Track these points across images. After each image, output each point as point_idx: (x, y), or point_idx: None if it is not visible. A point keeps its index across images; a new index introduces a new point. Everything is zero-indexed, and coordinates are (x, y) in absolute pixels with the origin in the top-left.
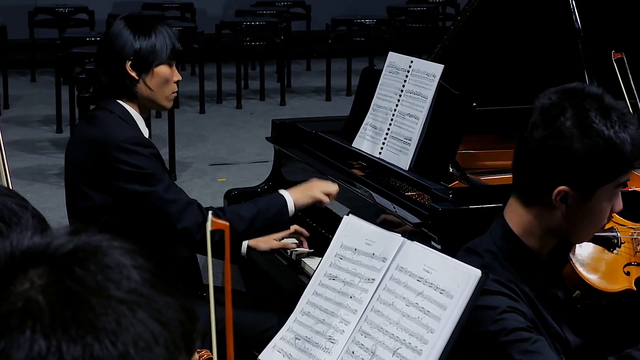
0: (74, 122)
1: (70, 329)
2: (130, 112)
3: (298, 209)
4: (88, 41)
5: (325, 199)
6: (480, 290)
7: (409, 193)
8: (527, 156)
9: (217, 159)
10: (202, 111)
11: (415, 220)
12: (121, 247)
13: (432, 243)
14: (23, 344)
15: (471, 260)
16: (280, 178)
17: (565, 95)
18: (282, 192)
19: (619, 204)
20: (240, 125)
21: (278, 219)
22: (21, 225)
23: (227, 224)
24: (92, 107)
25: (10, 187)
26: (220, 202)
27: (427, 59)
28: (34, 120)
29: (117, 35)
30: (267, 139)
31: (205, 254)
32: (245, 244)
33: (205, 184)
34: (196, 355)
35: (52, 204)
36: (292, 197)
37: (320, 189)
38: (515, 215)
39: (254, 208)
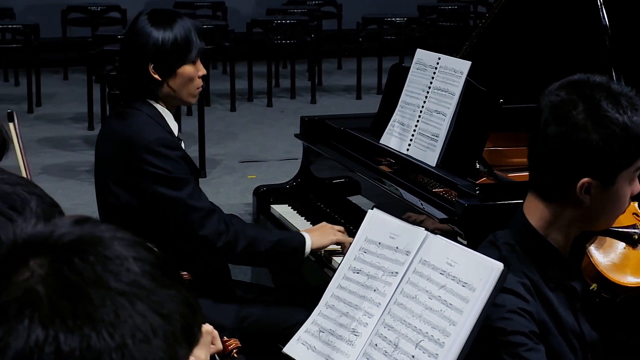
0: (105, 120)
1: (68, 319)
2: (158, 109)
3: (314, 250)
4: (119, 39)
5: (343, 238)
6: (502, 283)
7: (436, 189)
8: (543, 154)
9: (247, 156)
10: (232, 109)
11: (442, 215)
12: (123, 238)
13: (459, 239)
14: (21, 333)
15: (490, 252)
16: (309, 175)
17: (573, 89)
18: (304, 233)
19: (638, 186)
20: (270, 123)
21: (295, 254)
22: (25, 213)
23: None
24: (122, 102)
25: (22, 152)
26: (249, 199)
27: (455, 57)
28: (65, 118)
29: (140, 34)
30: (295, 135)
31: (228, 263)
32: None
33: (234, 181)
34: (218, 342)
35: (82, 200)
36: (311, 239)
37: (336, 229)
38: (536, 211)
39: (277, 235)
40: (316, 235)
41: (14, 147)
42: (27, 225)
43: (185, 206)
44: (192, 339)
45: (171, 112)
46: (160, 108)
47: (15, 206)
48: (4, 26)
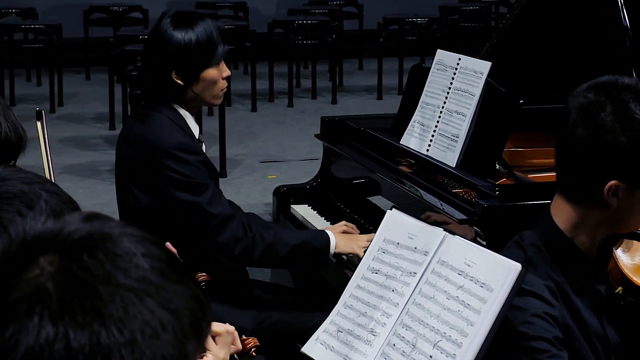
0: (125, 120)
1: (77, 316)
2: (179, 111)
3: (337, 253)
4: (141, 39)
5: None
6: (520, 284)
7: (456, 190)
8: (570, 156)
9: (268, 156)
10: (253, 109)
11: (462, 216)
12: (133, 234)
13: (478, 239)
14: (31, 330)
15: (515, 253)
16: (329, 175)
17: (602, 91)
18: (329, 232)
19: None
20: (291, 124)
21: (319, 255)
22: (36, 210)
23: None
24: (142, 103)
25: (54, 180)
26: (269, 199)
27: (476, 57)
28: (87, 118)
29: (163, 37)
30: (316, 136)
31: (246, 265)
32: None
33: (255, 181)
34: (238, 342)
35: (103, 199)
36: (336, 240)
37: (362, 246)
38: (563, 213)
39: (299, 237)
40: (343, 240)
41: (39, 145)
42: (37, 222)
43: (203, 212)
44: (201, 334)
45: (192, 114)
46: (182, 110)
47: (32, 205)
48: (27, 26)
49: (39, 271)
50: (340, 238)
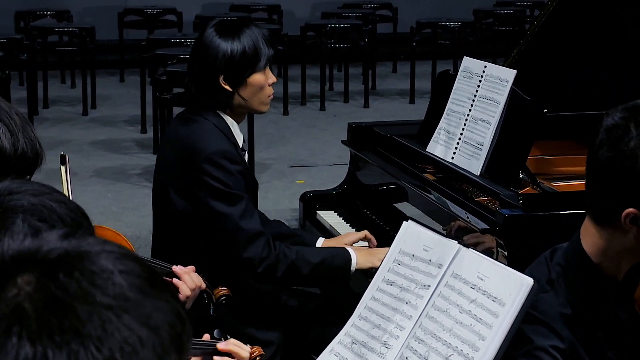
0: (157, 123)
1: (55, 335)
2: (225, 119)
3: (358, 269)
4: (173, 42)
5: None
6: (532, 299)
7: (480, 198)
8: (595, 177)
9: (297, 160)
10: (285, 113)
11: (484, 226)
12: (111, 251)
13: (499, 250)
14: (10, 350)
15: (540, 271)
16: (356, 181)
17: (629, 115)
18: (350, 249)
19: None
20: (322, 127)
21: (340, 273)
22: (12, 230)
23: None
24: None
25: (71, 194)
26: (297, 204)
27: (503, 63)
28: (119, 120)
29: (209, 46)
30: (342, 142)
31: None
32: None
33: (283, 186)
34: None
35: (132, 203)
36: (357, 257)
37: (381, 259)
38: (590, 236)
39: (320, 255)
40: (363, 256)
41: (62, 188)
42: (15, 241)
43: (234, 224)
44: (182, 348)
45: (238, 123)
46: (228, 118)
47: (43, 217)
48: (61, 29)
49: (16, 291)
50: (360, 254)
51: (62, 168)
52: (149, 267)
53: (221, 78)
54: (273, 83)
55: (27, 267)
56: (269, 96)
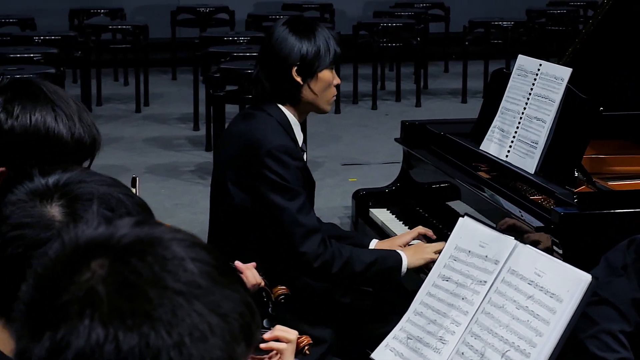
0: (209, 121)
1: (127, 318)
2: (288, 117)
3: (409, 269)
4: (225, 40)
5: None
6: (590, 295)
7: (535, 197)
8: None
9: (349, 159)
10: (337, 111)
11: (538, 224)
12: (183, 239)
13: (555, 248)
14: (82, 332)
15: (616, 257)
16: (409, 179)
17: None
18: (400, 251)
19: None
20: (374, 126)
21: (392, 273)
22: (85, 217)
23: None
24: (247, 106)
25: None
26: (349, 202)
27: (558, 62)
28: (172, 118)
29: (283, 41)
30: (396, 140)
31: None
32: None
33: (335, 184)
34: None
35: (185, 200)
36: (407, 258)
37: (430, 252)
38: None
39: (373, 255)
40: (412, 255)
41: None
42: (89, 227)
43: (292, 218)
44: (251, 338)
45: (300, 122)
46: (290, 116)
47: (111, 206)
48: (114, 27)
49: (90, 275)
50: (409, 254)
51: (133, 190)
52: (219, 256)
53: (294, 70)
54: (338, 84)
55: (100, 252)
56: (333, 96)
